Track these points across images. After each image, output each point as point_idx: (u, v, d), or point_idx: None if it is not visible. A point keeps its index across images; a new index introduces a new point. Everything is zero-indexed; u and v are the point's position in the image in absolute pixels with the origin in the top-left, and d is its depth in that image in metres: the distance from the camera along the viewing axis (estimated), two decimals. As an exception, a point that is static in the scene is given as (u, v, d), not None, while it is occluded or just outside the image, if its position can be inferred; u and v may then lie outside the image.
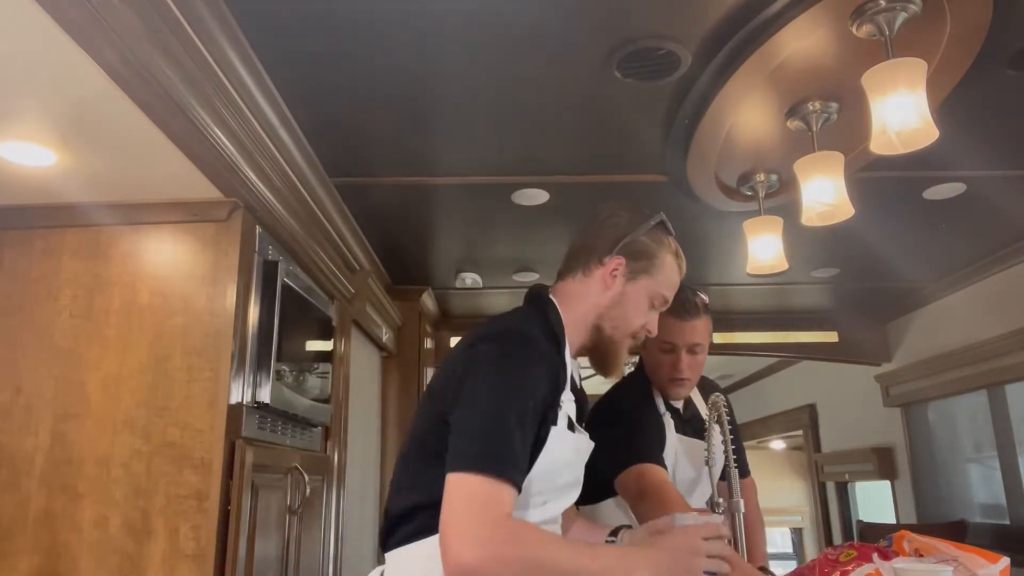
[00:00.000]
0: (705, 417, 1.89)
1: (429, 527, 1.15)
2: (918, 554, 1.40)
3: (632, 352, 1.59)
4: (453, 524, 1.07)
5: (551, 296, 1.40)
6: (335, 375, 2.90)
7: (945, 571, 1.26)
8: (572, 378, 1.36)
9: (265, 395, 2.12)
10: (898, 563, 1.35)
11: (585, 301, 1.38)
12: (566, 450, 1.28)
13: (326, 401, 2.75)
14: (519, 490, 1.15)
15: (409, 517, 1.24)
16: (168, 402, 1.98)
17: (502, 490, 1.10)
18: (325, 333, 2.77)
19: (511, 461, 1.13)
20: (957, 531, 3.61)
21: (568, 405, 1.30)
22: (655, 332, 1.44)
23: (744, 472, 2.06)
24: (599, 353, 1.41)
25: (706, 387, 2.09)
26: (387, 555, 1.29)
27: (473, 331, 1.32)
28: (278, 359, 2.19)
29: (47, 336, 2.04)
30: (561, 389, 1.28)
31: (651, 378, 1.96)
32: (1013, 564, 1.37)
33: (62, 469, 1.95)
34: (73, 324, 2.05)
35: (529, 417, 1.19)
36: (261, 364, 2.14)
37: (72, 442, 1.97)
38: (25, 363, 2.03)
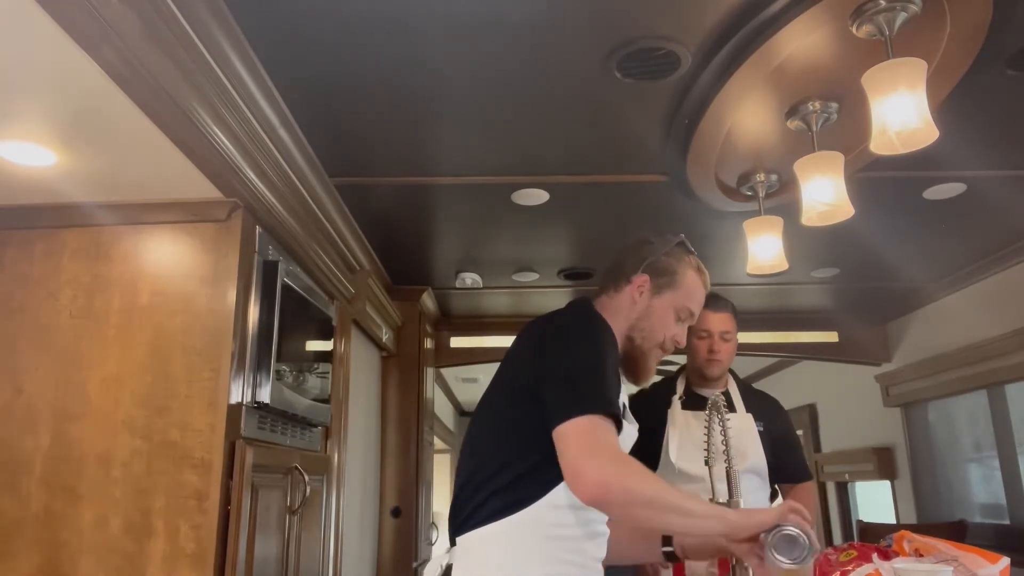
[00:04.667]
0: (738, 407, 2.37)
1: (510, 505, 1.29)
2: (918, 554, 1.41)
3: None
4: (585, 458, 1.19)
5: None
6: (335, 375, 2.90)
7: (945, 571, 1.26)
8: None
9: (265, 395, 2.12)
10: (898, 563, 1.35)
11: (618, 314, 1.53)
12: (624, 438, 1.39)
13: (326, 401, 2.75)
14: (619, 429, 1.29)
15: (486, 502, 1.32)
16: (168, 402, 1.98)
17: (613, 429, 1.25)
18: (325, 333, 2.77)
19: (614, 401, 1.27)
20: (957, 531, 3.60)
21: (623, 396, 1.46)
22: (683, 343, 1.60)
23: (799, 476, 2.40)
24: (630, 361, 1.55)
25: (753, 395, 2.45)
26: (464, 537, 1.34)
27: (542, 320, 1.48)
28: (278, 359, 2.19)
29: (47, 336, 2.04)
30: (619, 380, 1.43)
31: (691, 362, 2.45)
32: (1013, 564, 1.37)
33: (62, 469, 1.95)
34: (73, 324, 2.05)
35: (615, 375, 1.33)
36: (261, 364, 2.14)
37: (72, 442, 1.97)
38: (25, 363, 2.03)
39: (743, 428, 2.33)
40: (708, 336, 2.40)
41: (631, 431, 1.45)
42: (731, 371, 2.49)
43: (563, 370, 1.31)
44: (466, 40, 1.85)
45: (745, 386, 2.50)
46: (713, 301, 2.36)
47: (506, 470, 1.32)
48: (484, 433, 1.43)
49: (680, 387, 2.47)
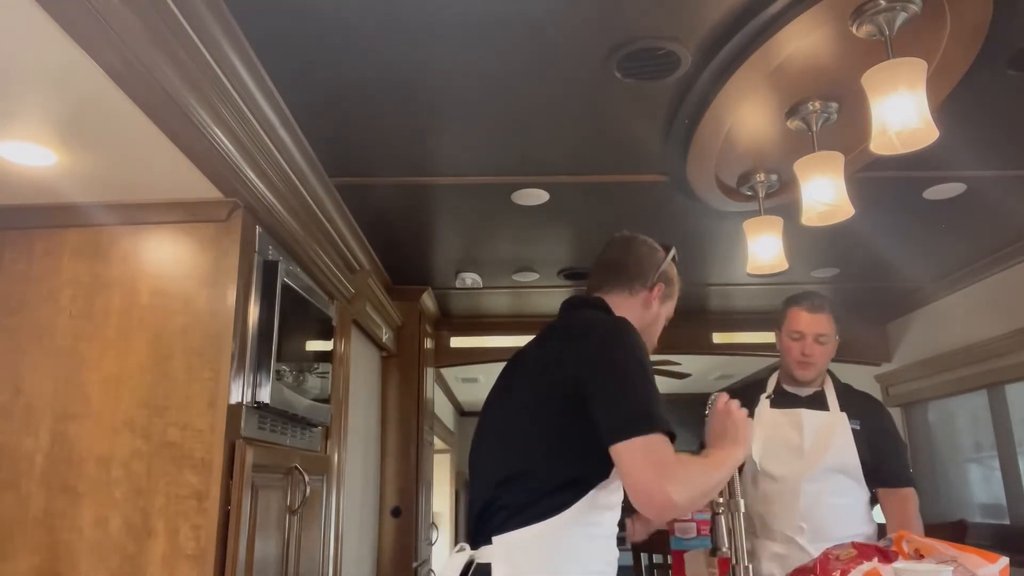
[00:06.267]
0: (832, 406, 2.28)
1: (555, 507, 1.33)
2: (918, 554, 1.41)
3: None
4: (651, 480, 1.25)
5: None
6: (335, 375, 2.90)
7: (945, 571, 1.26)
8: None
9: (265, 395, 2.12)
10: (898, 564, 1.35)
11: (631, 315, 1.56)
12: None
13: (326, 401, 2.75)
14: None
15: (536, 502, 1.35)
16: (168, 402, 1.98)
17: (668, 442, 1.30)
18: (325, 333, 2.77)
19: (665, 417, 1.33)
20: (957, 531, 3.60)
21: None
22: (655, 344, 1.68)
23: (891, 481, 2.22)
24: None
25: (852, 394, 2.35)
26: (504, 536, 1.35)
27: (574, 325, 1.54)
28: (278, 359, 2.19)
29: (47, 336, 2.04)
30: None
31: (782, 362, 2.36)
32: (1013, 564, 1.37)
33: (62, 469, 1.95)
34: (73, 324, 2.05)
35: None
36: (261, 364, 2.14)
37: (72, 442, 1.97)
38: (25, 363, 2.03)
39: (832, 425, 2.23)
40: (800, 338, 2.26)
41: None
42: (830, 371, 2.38)
43: (618, 386, 1.35)
44: (466, 40, 1.85)
45: (844, 386, 2.37)
46: (808, 300, 2.28)
47: (553, 475, 1.36)
48: (521, 436, 1.43)
49: (771, 385, 2.38)
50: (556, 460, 1.37)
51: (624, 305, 1.60)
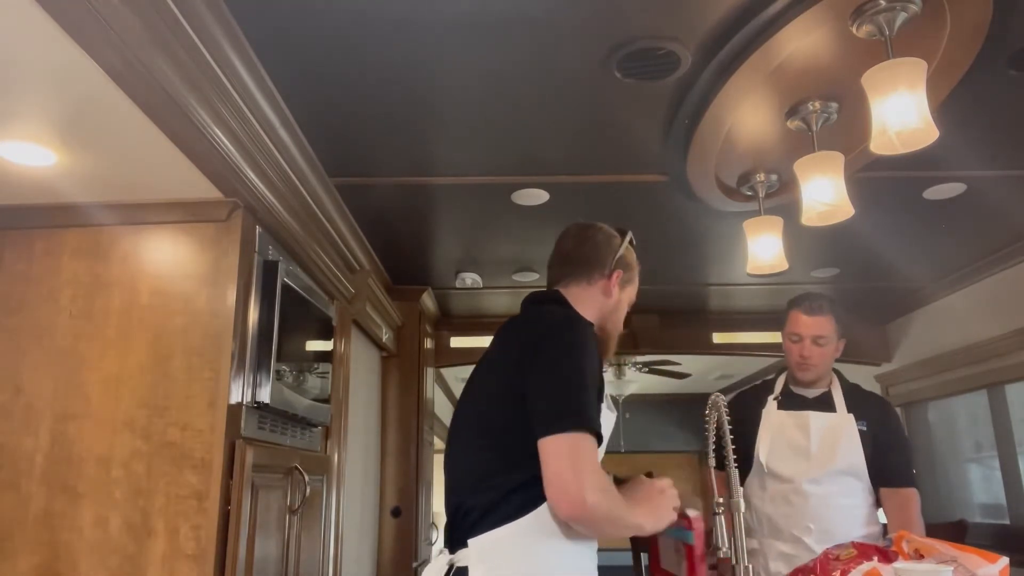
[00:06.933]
0: (839, 408, 2.28)
1: (525, 504, 1.33)
2: (918, 554, 1.41)
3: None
4: (568, 474, 1.25)
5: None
6: (335, 375, 2.90)
7: (945, 571, 1.26)
8: None
9: (265, 395, 2.12)
10: (898, 564, 1.35)
11: (590, 305, 1.59)
12: (607, 426, 1.45)
13: (326, 401, 2.75)
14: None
15: (505, 500, 1.35)
16: (168, 402, 1.98)
17: (594, 444, 1.31)
18: (325, 333, 2.77)
19: (596, 418, 1.34)
20: (957, 531, 3.60)
21: (605, 385, 1.48)
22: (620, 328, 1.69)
23: (892, 480, 2.21)
24: (600, 346, 1.57)
25: (859, 395, 2.34)
26: (479, 539, 1.34)
27: (526, 323, 1.52)
28: (278, 359, 2.19)
29: (47, 336, 2.04)
30: (602, 370, 1.47)
31: (786, 363, 2.37)
32: (1013, 564, 1.37)
33: (62, 469, 1.95)
34: (73, 324, 2.05)
35: (595, 385, 1.38)
36: (261, 364, 2.14)
37: (72, 442, 1.97)
38: (25, 363, 2.03)
39: (839, 427, 2.23)
40: (799, 340, 2.29)
41: (610, 417, 1.49)
42: (837, 372, 2.39)
43: (551, 382, 1.36)
44: (466, 40, 1.85)
45: (852, 386, 2.37)
46: (807, 302, 2.29)
47: (516, 472, 1.35)
48: (482, 437, 1.44)
49: (778, 387, 2.40)
50: (516, 459, 1.36)
51: (583, 296, 1.59)
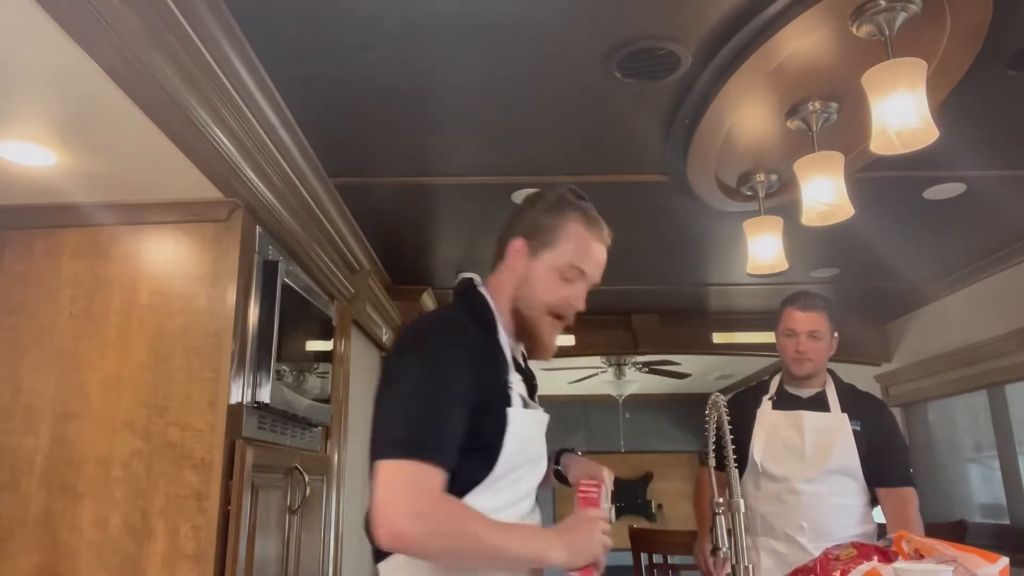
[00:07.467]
0: (833, 407, 2.29)
1: None
2: (917, 554, 1.40)
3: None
4: (386, 502, 1.11)
5: (480, 289, 1.44)
6: (335, 375, 2.90)
7: (945, 571, 1.26)
8: (516, 360, 1.40)
9: (265, 395, 2.12)
10: (898, 564, 1.35)
11: (505, 288, 1.41)
12: (528, 426, 1.33)
13: (326, 401, 2.75)
14: (447, 468, 1.17)
15: None
16: (168, 402, 1.98)
17: (430, 471, 1.14)
18: (325, 333, 2.77)
19: (436, 444, 1.17)
20: (957, 531, 3.60)
21: (518, 385, 1.35)
22: (580, 306, 1.42)
23: (888, 480, 2.22)
24: (524, 335, 1.41)
25: (854, 395, 2.36)
26: (380, 565, 1.28)
27: (407, 327, 1.37)
28: (278, 359, 2.19)
29: (47, 336, 2.04)
30: (504, 371, 1.33)
31: (782, 361, 2.40)
32: (1013, 564, 1.37)
33: (62, 469, 1.95)
34: (73, 324, 2.05)
35: (455, 398, 1.22)
36: (261, 364, 2.14)
37: (72, 442, 1.97)
38: (25, 363, 2.03)
39: (833, 427, 2.25)
40: (794, 335, 2.31)
41: (538, 415, 1.37)
42: (832, 372, 2.41)
43: (389, 400, 1.23)
44: (466, 40, 1.85)
45: (847, 386, 2.39)
46: (801, 299, 2.34)
47: None
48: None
49: (773, 387, 2.42)
50: None
51: (497, 282, 1.43)
